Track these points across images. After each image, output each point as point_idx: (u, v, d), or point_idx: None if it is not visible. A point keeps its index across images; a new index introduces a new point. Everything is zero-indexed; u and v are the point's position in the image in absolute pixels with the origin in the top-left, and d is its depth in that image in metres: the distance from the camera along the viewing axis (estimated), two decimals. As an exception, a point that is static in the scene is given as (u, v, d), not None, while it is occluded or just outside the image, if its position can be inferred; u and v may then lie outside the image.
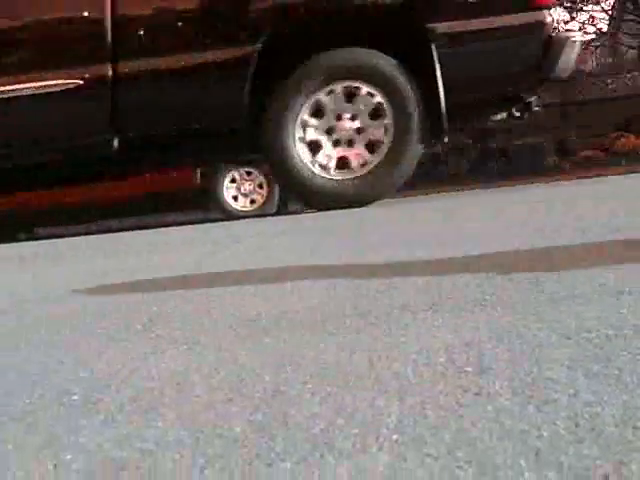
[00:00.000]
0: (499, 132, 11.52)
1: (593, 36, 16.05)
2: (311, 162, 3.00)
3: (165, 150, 3.14)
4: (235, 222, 4.70)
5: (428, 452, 0.63)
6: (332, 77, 2.99)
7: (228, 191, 6.44)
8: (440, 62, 2.79)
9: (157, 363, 1.01)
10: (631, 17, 13.47)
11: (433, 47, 2.78)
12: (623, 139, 10.93)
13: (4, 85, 2.81)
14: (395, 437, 0.67)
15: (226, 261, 2.27)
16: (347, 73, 2.97)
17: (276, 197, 6.38)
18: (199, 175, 6.57)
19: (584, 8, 14.32)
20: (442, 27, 2.82)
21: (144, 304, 1.50)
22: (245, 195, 6.45)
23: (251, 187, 6.46)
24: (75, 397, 0.89)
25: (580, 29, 17.10)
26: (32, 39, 2.89)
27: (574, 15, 15.17)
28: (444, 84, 2.77)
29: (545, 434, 0.64)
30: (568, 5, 14.17)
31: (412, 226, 2.78)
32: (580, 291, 1.17)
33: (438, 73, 2.79)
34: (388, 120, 3.02)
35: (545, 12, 2.86)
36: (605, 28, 15.95)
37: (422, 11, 2.86)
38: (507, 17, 2.81)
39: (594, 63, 18.45)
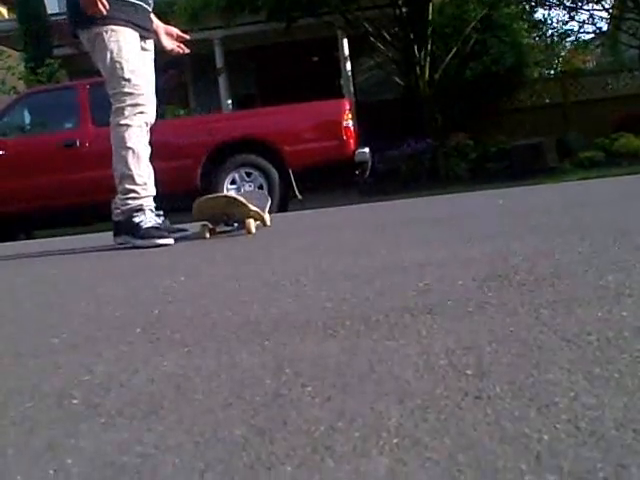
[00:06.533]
0: (499, 133, 11.52)
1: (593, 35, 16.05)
2: None
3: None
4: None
5: (428, 456, 0.63)
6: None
7: (228, 192, 6.46)
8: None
9: (157, 366, 1.01)
10: (631, 16, 13.44)
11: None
12: (624, 139, 10.92)
13: None
14: (395, 440, 0.67)
15: (225, 263, 2.27)
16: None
17: (277, 198, 6.37)
18: (200, 177, 6.56)
19: (584, 7, 14.30)
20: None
21: (144, 307, 1.50)
22: (245, 196, 6.55)
23: (251, 188, 6.46)
24: (75, 401, 0.89)
25: (579, 28, 17.07)
26: None
27: (574, 14, 15.18)
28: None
29: (545, 437, 0.64)
30: (568, 4, 14.16)
31: (412, 228, 2.78)
32: (580, 294, 1.17)
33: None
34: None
35: None
36: (605, 27, 15.94)
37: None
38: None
39: (594, 62, 18.45)
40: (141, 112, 3.06)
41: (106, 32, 3.02)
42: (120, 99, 3.03)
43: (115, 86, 3.04)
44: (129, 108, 3.03)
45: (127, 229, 3.06)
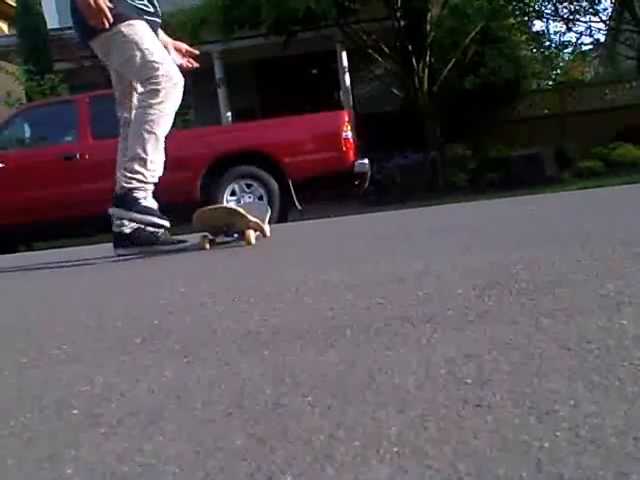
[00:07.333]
0: (498, 143, 11.56)
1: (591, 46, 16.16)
2: None
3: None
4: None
5: (429, 464, 0.63)
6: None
7: (228, 204, 6.47)
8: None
9: (157, 376, 1.01)
10: (629, 27, 13.52)
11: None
12: (622, 149, 10.96)
13: None
14: (396, 449, 0.67)
15: (225, 274, 2.27)
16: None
17: (277, 209, 6.39)
18: (199, 188, 6.58)
19: (581, 19, 14.39)
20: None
21: (144, 317, 1.50)
22: (245, 207, 6.57)
23: (251, 199, 6.48)
24: (75, 411, 0.89)
25: (577, 40, 17.15)
26: None
27: (571, 26, 15.25)
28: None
29: (546, 445, 0.64)
30: (565, 16, 14.25)
31: (410, 238, 2.78)
32: (580, 302, 1.17)
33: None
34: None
35: None
36: (602, 38, 16.03)
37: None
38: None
39: (592, 73, 18.53)
40: (174, 98, 2.99)
41: (124, 28, 2.98)
42: (155, 82, 2.95)
43: (148, 72, 2.97)
44: (164, 91, 2.96)
45: (124, 203, 3.00)
